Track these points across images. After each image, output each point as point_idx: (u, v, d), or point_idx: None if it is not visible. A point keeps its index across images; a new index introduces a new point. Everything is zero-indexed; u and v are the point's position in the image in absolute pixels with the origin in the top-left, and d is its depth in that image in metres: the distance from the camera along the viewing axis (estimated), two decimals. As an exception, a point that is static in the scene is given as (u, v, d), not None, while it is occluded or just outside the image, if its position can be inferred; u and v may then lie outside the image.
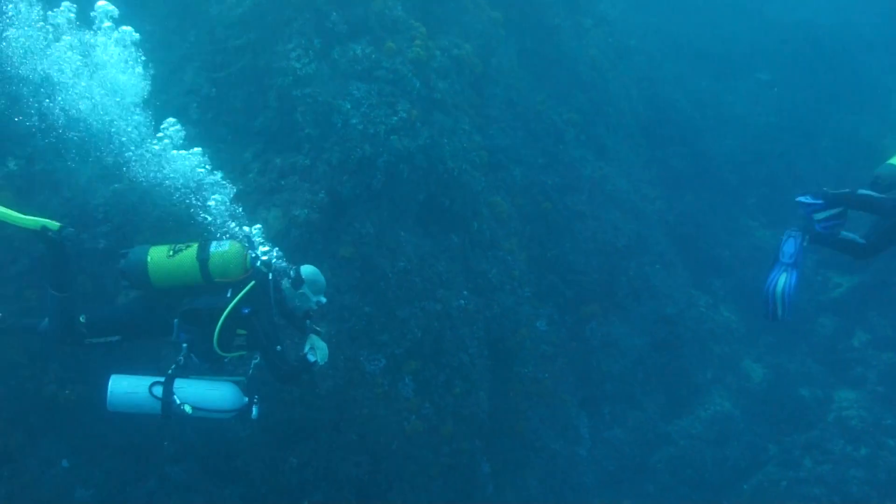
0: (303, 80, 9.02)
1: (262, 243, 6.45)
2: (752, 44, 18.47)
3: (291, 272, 6.25)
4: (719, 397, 12.65)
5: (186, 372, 6.08)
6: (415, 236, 9.35)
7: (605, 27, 14.34)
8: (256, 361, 6.31)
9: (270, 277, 6.17)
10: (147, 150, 7.24)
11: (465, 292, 9.73)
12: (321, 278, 6.45)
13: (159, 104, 9.26)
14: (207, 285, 6.02)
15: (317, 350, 6.34)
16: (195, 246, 6.03)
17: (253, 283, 6.03)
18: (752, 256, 14.53)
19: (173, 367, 6.09)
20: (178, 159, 7.19)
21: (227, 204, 6.96)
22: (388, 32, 9.61)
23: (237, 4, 9.19)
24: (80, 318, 5.96)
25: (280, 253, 6.45)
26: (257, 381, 6.25)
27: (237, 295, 5.92)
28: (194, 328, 6.05)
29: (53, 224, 5.88)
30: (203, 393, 6.05)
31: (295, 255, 8.66)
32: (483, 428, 9.88)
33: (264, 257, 6.20)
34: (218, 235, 6.56)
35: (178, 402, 5.93)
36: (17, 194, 8.79)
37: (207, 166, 7.11)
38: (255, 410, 6.19)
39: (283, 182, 8.92)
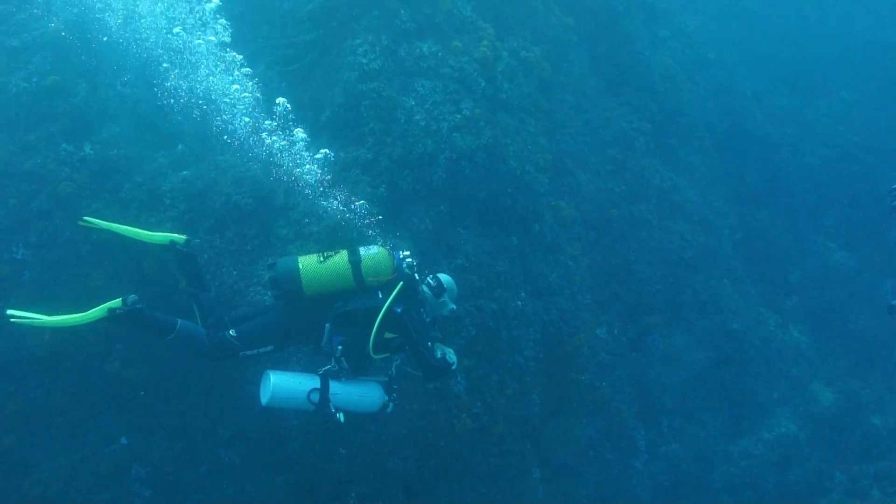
0: (369, 76, 9.15)
1: (401, 248, 6.60)
2: (836, 62, 18.01)
3: (430, 280, 6.38)
4: (785, 419, 12.28)
5: (336, 374, 6.24)
6: (474, 235, 9.35)
7: (683, 38, 14.17)
8: (398, 363, 6.49)
9: (417, 278, 6.34)
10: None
11: (522, 294, 9.69)
12: (456, 287, 6.61)
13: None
14: (358, 288, 6.14)
15: (447, 353, 6.48)
16: (344, 252, 6.18)
17: (402, 283, 6.16)
18: (827, 278, 14.14)
19: (324, 370, 6.22)
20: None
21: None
22: (456, 32, 9.70)
23: (308, 0, 9.39)
24: (231, 333, 6.11)
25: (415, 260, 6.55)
26: (396, 380, 6.44)
27: (389, 295, 6.05)
28: (349, 330, 6.15)
29: (180, 238, 6.21)
30: (356, 400, 6.26)
31: (353, 246, 8.83)
32: (535, 432, 9.82)
33: (409, 259, 6.32)
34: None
35: (333, 409, 6.13)
36: (91, 178, 9.17)
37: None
38: (391, 407, 6.39)
39: (345, 175, 9.06)
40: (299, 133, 7.97)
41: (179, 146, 9.53)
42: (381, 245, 6.34)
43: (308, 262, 6.10)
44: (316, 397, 6.05)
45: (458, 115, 9.19)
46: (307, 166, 8.01)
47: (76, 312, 5.90)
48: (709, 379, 12.00)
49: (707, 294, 12.29)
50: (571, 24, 11.45)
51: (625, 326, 11.39)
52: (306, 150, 8.00)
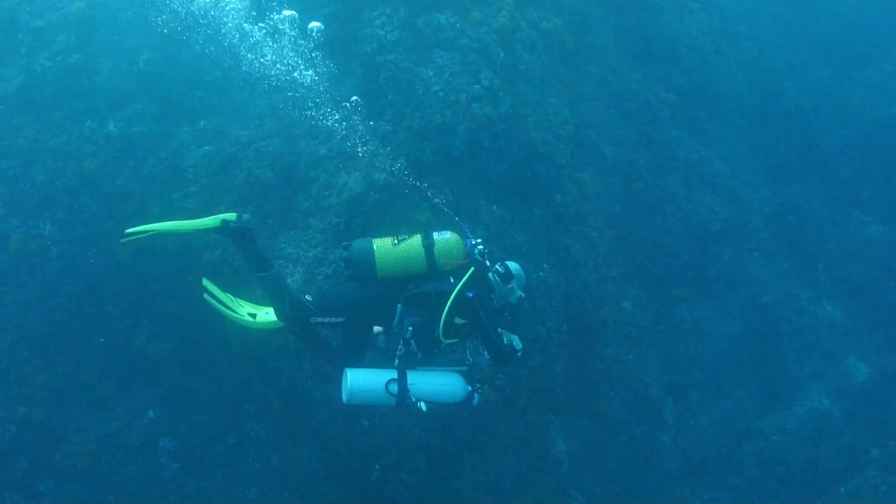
0: (386, 47, 9.14)
1: (473, 234, 6.60)
2: (875, 33, 17.53)
3: (499, 267, 6.34)
4: (817, 394, 12.10)
5: (411, 363, 6.21)
6: (495, 205, 9.30)
7: (712, 10, 13.91)
8: (471, 349, 6.47)
9: (488, 264, 6.32)
10: None
11: (545, 265, 9.63)
12: (524, 275, 6.59)
13: (251, 71, 9.66)
14: (430, 272, 6.17)
15: (513, 340, 6.46)
16: (418, 236, 6.19)
17: (473, 268, 6.18)
18: (862, 251, 13.86)
19: (398, 358, 6.21)
20: None
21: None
22: (474, 3, 9.64)
23: (327, -26, 9.41)
24: (307, 297, 6.14)
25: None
26: (476, 369, 6.43)
27: (460, 280, 6.07)
28: (420, 312, 6.16)
29: (231, 215, 6.06)
30: (436, 389, 6.19)
31: (373, 218, 8.85)
32: (559, 404, 9.78)
33: (480, 246, 6.33)
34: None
35: (413, 399, 6.07)
36: (115, 154, 9.31)
37: None
38: (476, 398, 6.30)
39: (364, 147, 9.07)
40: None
41: (201, 122, 9.62)
42: (454, 231, 6.37)
43: (382, 245, 6.13)
44: (394, 388, 6.01)
45: (477, 86, 9.14)
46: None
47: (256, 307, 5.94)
48: (739, 352, 11.87)
49: (736, 267, 12.14)
50: (595, -5, 11.36)
51: (651, 299, 11.29)
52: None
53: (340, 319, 6.18)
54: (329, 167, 9.13)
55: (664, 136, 12.04)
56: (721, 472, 11.11)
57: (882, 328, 13.18)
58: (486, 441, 9.17)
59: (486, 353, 6.33)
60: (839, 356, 12.63)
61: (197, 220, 6.00)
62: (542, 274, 9.53)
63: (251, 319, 6.05)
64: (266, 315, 6.01)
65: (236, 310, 5.98)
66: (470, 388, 6.22)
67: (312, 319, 6.12)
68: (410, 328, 6.10)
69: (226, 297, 5.99)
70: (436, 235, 6.19)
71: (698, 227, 11.89)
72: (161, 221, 6.04)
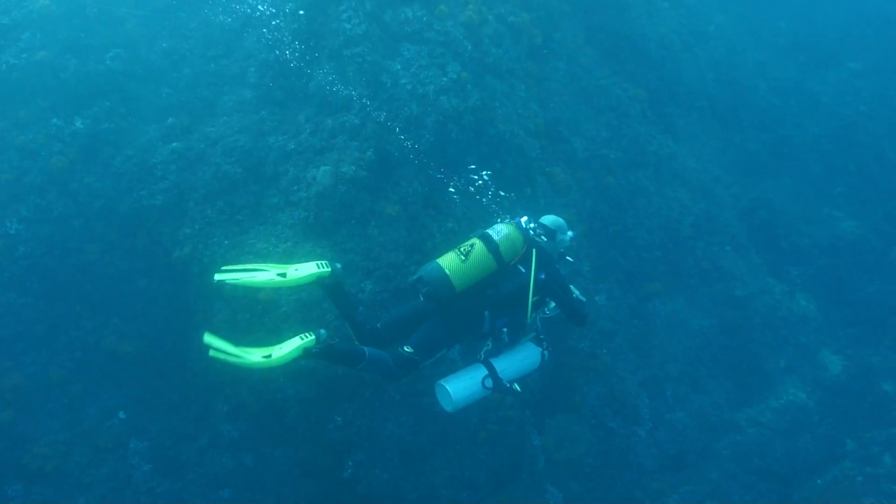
0: (353, 41, 9.16)
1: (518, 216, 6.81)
2: (844, 34, 17.78)
3: (541, 230, 6.65)
4: (793, 387, 12.11)
5: (492, 352, 6.50)
6: (465, 198, 9.28)
7: (682, 10, 14.06)
8: (541, 316, 6.74)
9: (545, 239, 6.61)
10: None
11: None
12: (560, 219, 6.85)
13: (219, 68, 9.67)
14: (500, 270, 6.31)
15: (576, 293, 6.74)
16: (477, 241, 6.31)
17: (535, 251, 6.41)
18: (834, 246, 13.94)
19: (483, 354, 6.49)
20: None
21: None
22: (441, -3, 9.68)
23: (293, -32, 9.43)
24: (407, 349, 6.23)
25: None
26: (542, 331, 6.71)
27: (530, 267, 6.31)
28: (506, 311, 6.38)
29: (325, 272, 6.12)
30: (521, 366, 6.47)
31: (342, 212, 8.84)
32: (533, 398, 9.75)
33: (531, 224, 6.60)
34: None
35: (508, 385, 6.35)
36: (83, 152, 9.25)
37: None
38: (546, 355, 6.63)
39: (333, 141, 9.07)
40: None
41: (169, 119, 9.59)
42: (504, 221, 6.58)
43: (452, 264, 6.19)
44: (490, 382, 6.27)
45: (445, 79, 9.18)
46: None
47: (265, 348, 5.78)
48: (713, 346, 11.86)
49: (709, 261, 12.16)
50: (563, -8, 11.41)
51: (625, 293, 11.27)
52: None
53: (443, 351, 6.39)
54: (298, 162, 9.11)
55: (634, 132, 12.07)
56: (698, 465, 11.04)
57: (855, 321, 13.24)
58: (460, 435, 9.13)
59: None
60: (813, 349, 12.67)
61: (297, 277, 6.02)
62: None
63: (266, 360, 5.93)
64: (280, 350, 5.91)
65: (245, 357, 5.85)
66: (540, 349, 6.58)
67: (422, 366, 6.28)
68: (505, 329, 6.39)
69: (232, 348, 5.86)
70: (494, 235, 6.34)
71: (670, 221, 11.90)
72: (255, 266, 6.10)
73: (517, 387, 6.39)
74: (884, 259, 14.01)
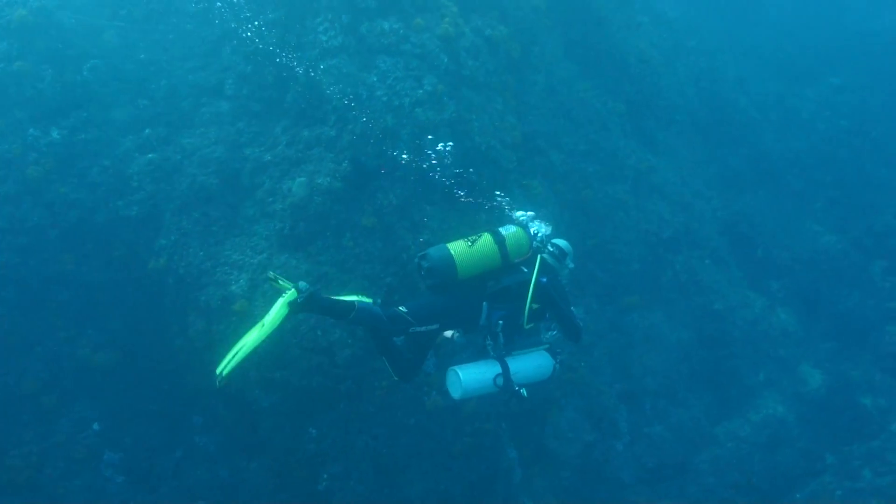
0: (329, 53, 9.20)
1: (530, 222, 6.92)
2: (825, 51, 17.94)
3: (551, 247, 6.67)
4: (772, 401, 12.12)
5: (507, 350, 6.51)
6: (441, 210, 9.28)
7: (662, 25, 14.16)
8: (552, 332, 6.75)
9: (551, 249, 6.65)
10: None
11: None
12: (571, 248, 6.90)
13: (196, 80, 9.69)
14: (504, 267, 6.36)
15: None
16: (487, 234, 6.34)
17: (540, 256, 6.47)
18: (815, 260, 13.99)
19: (494, 352, 6.46)
20: None
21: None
22: (418, 10, 9.70)
23: (271, -20, 9.47)
24: (402, 308, 6.16)
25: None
26: (556, 343, 6.73)
27: (531, 269, 6.32)
28: (504, 305, 6.36)
29: (291, 294, 5.78)
30: (534, 372, 6.48)
31: (317, 223, 8.85)
32: (509, 410, 9.72)
33: (540, 232, 6.69)
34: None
35: (517, 388, 6.34)
36: (59, 162, 9.25)
37: None
38: (557, 368, 6.62)
39: (309, 153, 9.09)
40: None
41: (147, 130, 9.59)
42: (515, 223, 6.65)
43: (459, 249, 6.22)
44: (501, 381, 6.29)
45: (420, 91, 9.20)
46: None
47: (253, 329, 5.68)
48: (692, 360, 11.88)
49: (688, 274, 12.19)
50: (542, 7, 11.41)
51: (603, 307, 11.29)
52: None
53: (435, 326, 6.32)
54: (274, 173, 9.13)
55: (613, 145, 12.11)
56: (676, 479, 11.05)
57: (835, 335, 13.27)
58: (435, 448, 9.11)
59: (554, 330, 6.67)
60: (793, 363, 12.69)
61: (268, 322, 5.68)
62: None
63: (261, 329, 5.84)
64: (269, 316, 5.90)
65: (245, 346, 5.85)
66: (553, 362, 6.57)
67: (411, 330, 6.21)
68: (501, 321, 6.33)
69: (231, 355, 5.84)
70: (503, 231, 6.39)
71: (649, 234, 11.94)
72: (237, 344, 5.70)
73: (524, 392, 6.38)
74: (864, 273, 14.05)
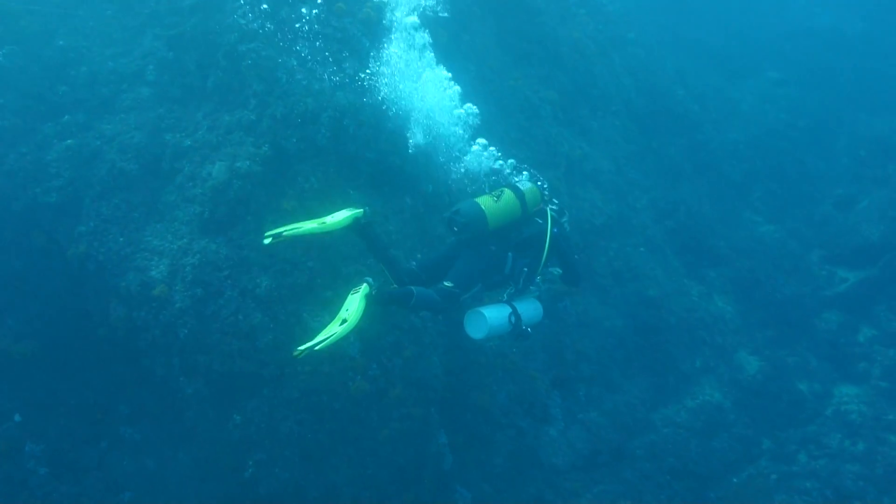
0: (248, 36, 9.13)
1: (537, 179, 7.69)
2: (766, 47, 18.25)
3: (553, 205, 7.52)
4: (709, 387, 12.22)
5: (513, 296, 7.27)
6: (364, 195, 9.23)
7: (599, 17, 14.24)
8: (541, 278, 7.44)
9: (556, 203, 7.55)
10: None
11: (418, 255, 9.56)
12: None
13: (117, 66, 9.59)
14: (523, 218, 7.11)
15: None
16: (506, 189, 7.07)
17: (549, 208, 7.34)
18: (752, 249, 14.15)
19: (509, 295, 7.23)
20: None
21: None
22: (341, -7, 9.68)
23: (190, -36, 9.40)
24: (447, 284, 6.72)
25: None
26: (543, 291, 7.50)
27: (544, 221, 7.20)
28: (526, 253, 7.12)
29: (359, 211, 6.70)
30: (535, 314, 7.30)
31: (238, 207, 8.77)
32: (437, 395, 9.66)
33: (546, 187, 7.51)
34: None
35: (524, 326, 7.10)
36: (-25, 149, 9.08)
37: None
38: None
39: (229, 137, 9.02)
40: None
41: (66, 116, 9.46)
42: (527, 179, 7.48)
43: (487, 203, 6.86)
44: (514, 319, 7.02)
45: (341, 74, 9.17)
46: None
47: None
48: (627, 346, 11.92)
49: (621, 261, 12.25)
50: (472, -5, 11.47)
51: (534, 292, 11.29)
52: None
53: (479, 286, 6.97)
54: (194, 158, 9.05)
55: (545, 133, 12.14)
56: (612, 465, 11.06)
57: (772, 323, 13.42)
58: (361, 433, 9.02)
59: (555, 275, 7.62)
60: (730, 350, 12.80)
61: (334, 222, 6.58)
62: (414, 263, 9.47)
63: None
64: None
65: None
66: (542, 305, 7.42)
67: (462, 298, 6.82)
68: (526, 269, 7.12)
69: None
70: (521, 186, 7.15)
71: (581, 221, 11.96)
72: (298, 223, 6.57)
73: (530, 330, 7.12)
74: (801, 262, 14.23)
